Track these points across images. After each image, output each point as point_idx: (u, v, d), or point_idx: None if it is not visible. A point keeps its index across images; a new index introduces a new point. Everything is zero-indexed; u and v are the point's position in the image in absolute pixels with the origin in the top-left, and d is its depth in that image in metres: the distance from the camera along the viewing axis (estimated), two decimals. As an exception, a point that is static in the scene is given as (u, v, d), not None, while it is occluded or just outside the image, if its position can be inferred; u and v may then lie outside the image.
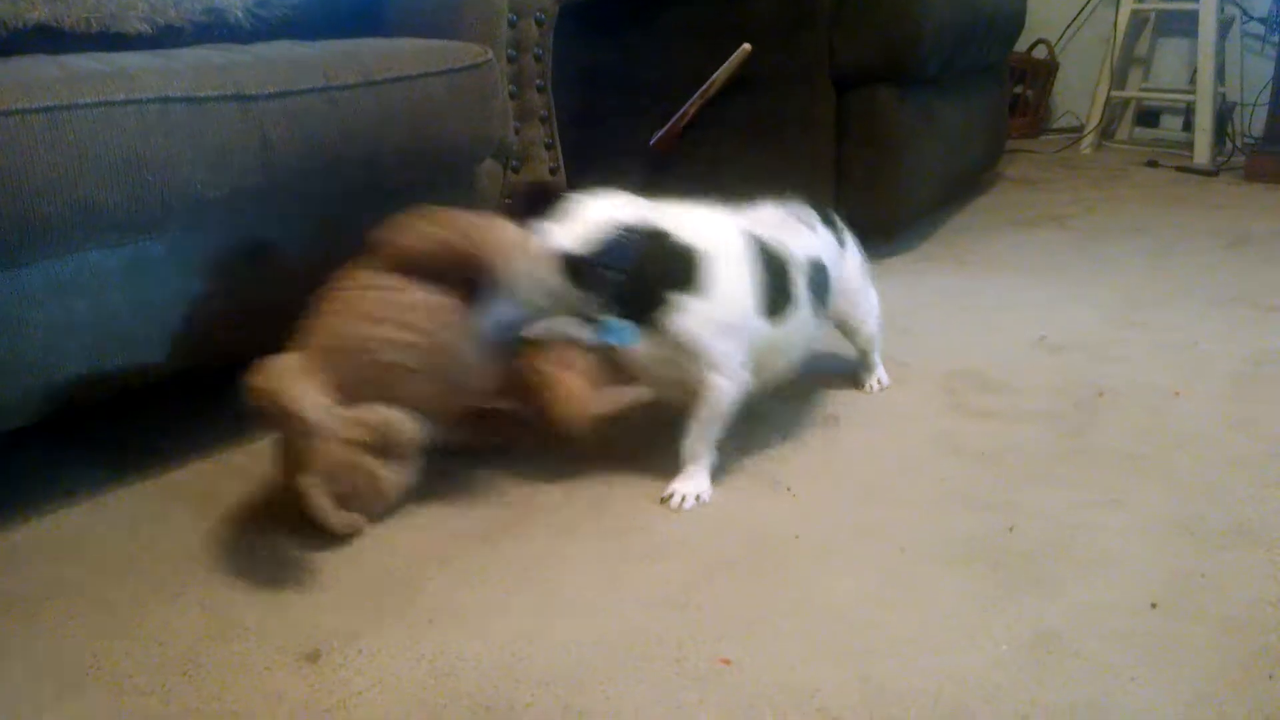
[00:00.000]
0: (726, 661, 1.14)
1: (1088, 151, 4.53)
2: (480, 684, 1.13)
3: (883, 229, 2.84)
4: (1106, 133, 4.72)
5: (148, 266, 1.53)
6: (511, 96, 2.10)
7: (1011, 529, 1.38)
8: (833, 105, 2.68)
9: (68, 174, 1.32)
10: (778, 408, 1.79)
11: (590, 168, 2.49)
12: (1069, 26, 4.85)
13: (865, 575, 1.29)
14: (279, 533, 1.44)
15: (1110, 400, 1.80)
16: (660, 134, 2.90)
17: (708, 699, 1.08)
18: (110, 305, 1.49)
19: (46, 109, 1.30)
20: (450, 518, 1.48)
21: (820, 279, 1.60)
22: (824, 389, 1.89)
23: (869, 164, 2.67)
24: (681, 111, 2.83)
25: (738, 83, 2.75)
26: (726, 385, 1.46)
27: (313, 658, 1.18)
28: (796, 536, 1.38)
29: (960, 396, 1.83)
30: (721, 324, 1.42)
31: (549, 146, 2.21)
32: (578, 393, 1.44)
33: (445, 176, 1.92)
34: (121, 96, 1.37)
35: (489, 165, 2.06)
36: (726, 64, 2.71)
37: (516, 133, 2.08)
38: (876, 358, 1.88)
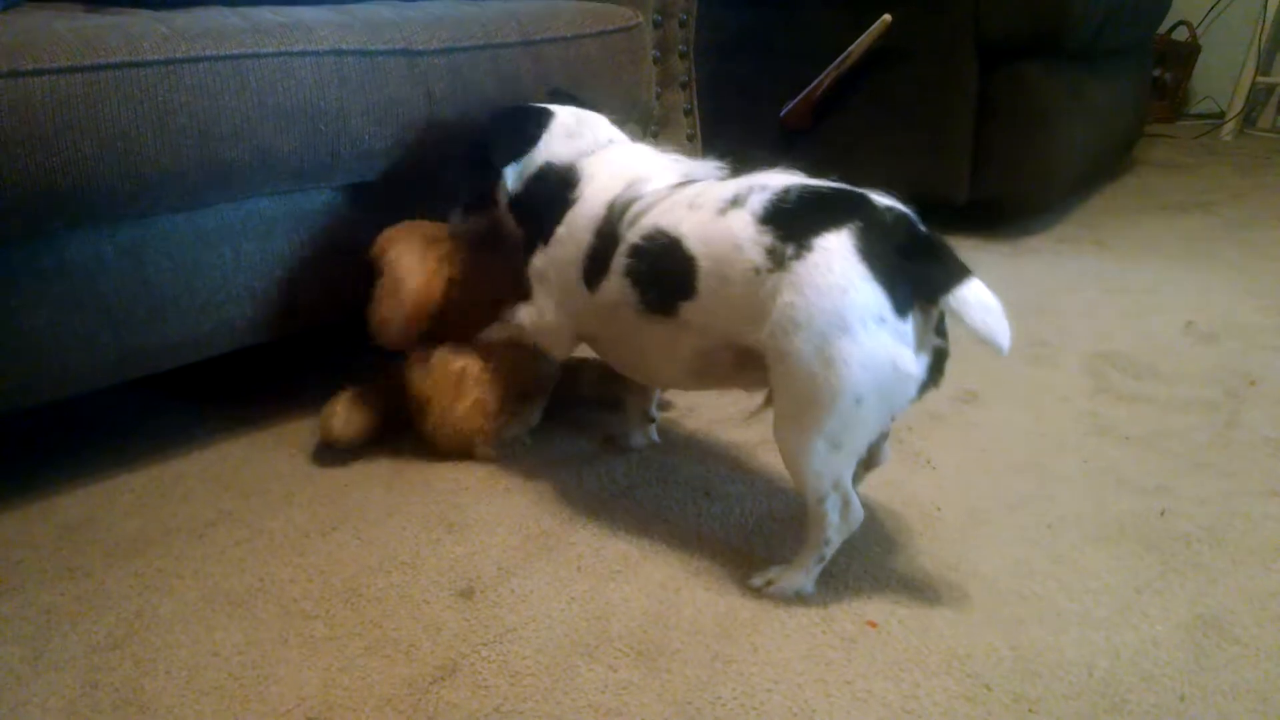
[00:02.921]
0: (873, 624, 1.14)
1: (1228, 139, 4.34)
2: (630, 628, 1.15)
3: (1022, 209, 2.78)
4: (1249, 120, 4.52)
5: (310, 215, 1.59)
6: (655, 61, 2.11)
7: (1163, 513, 1.35)
8: (975, 80, 2.63)
9: (249, 121, 1.38)
10: (916, 381, 1.78)
11: (722, 137, 2.49)
12: (1212, 8, 4.64)
13: (1012, 549, 1.28)
14: (428, 474, 1.49)
15: (1263, 390, 1.74)
16: (791, 106, 2.88)
17: (854, 657, 1.09)
18: (275, 249, 1.56)
19: (232, 57, 1.36)
20: (597, 472, 1.51)
21: (673, 267, 1.20)
22: (960, 363, 1.86)
23: (1011, 142, 2.61)
24: (815, 83, 2.81)
25: (876, 55, 2.71)
26: (525, 319, 1.45)
27: (467, 593, 1.23)
28: (938, 509, 1.38)
29: (1106, 380, 1.79)
30: (549, 269, 1.39)
31: (688, 112, 2.22)
32: (451, 416, 1.50)
33: (591, 138, 1.94)
34: (300, 48, 1.42)
35: (629, 129, 2.08)
36: (865, 35, 2.67)
37: (658, 97, 2.08)
38: (809, 549, 1.20)
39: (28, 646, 1.16)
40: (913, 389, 1.11)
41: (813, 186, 1.16)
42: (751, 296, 1.12)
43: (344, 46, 1.46)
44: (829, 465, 1.13)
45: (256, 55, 1.38)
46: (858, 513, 1.17)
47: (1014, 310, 2.05)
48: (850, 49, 2.71)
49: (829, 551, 1.18)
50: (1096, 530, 1.31)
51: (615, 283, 1.28)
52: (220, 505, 1.44)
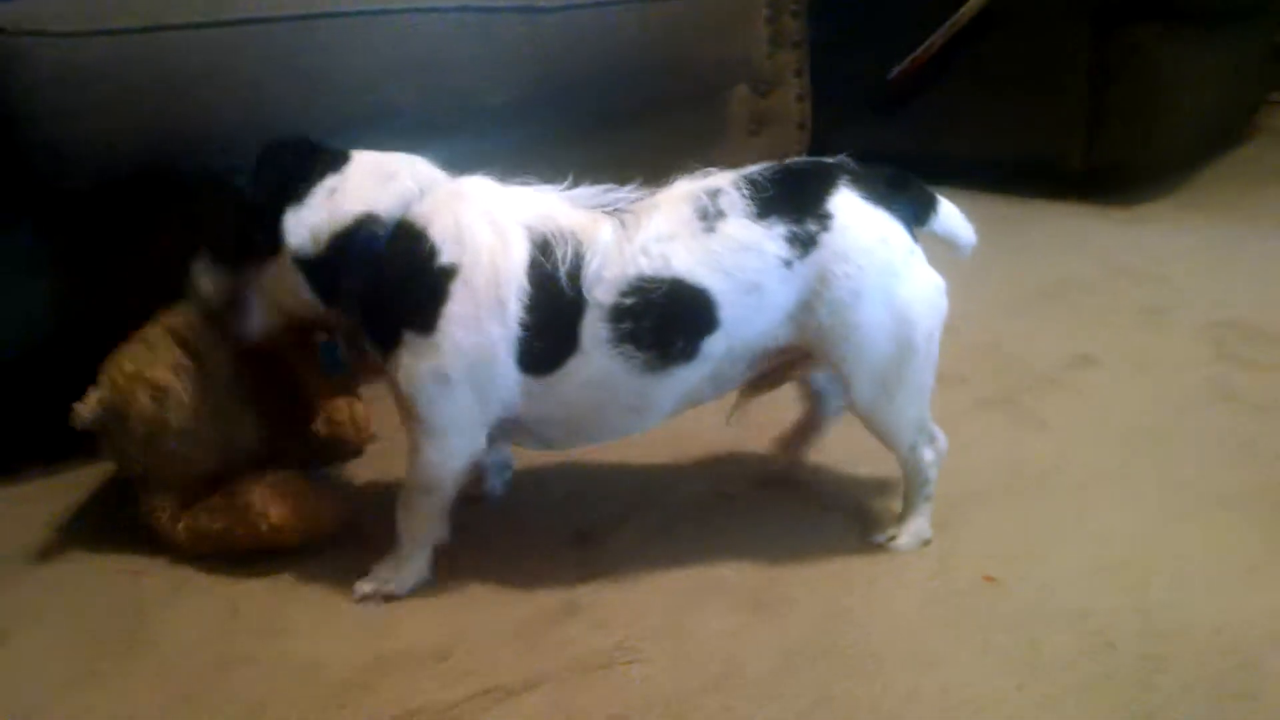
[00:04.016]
0: (991, 579, 1.14)
1: (1358, 107, 4.13)
2: (744, 576, 1.17)
3: (1138, 176, 2.70)
4: (1381, 89, 4.30)
5: (430, 170, 1.62)
6: (767, 21, 2.09)
7: (1292, 479, 1.32)
8: (1089, 44, 2.55)
9: (375, 76, 1.42)
10: (1022, 342, 1.76)
11: (827, 100, 2.47)
12: (1346, -32, 4.41)
13: (1134, 510, 1.26)
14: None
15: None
16: (899, 68, 2.83)
17: (973, 611, 1.09)
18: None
19: (362, 13, 1.40)
20: (706, 426, 1.52)
21: (686, 309, 1.07)
22: (1072, 327, 1.83)
23: (1128, 108, 2.53)
24: (924, 46, 2.76)
25: (987, 19, 2.65)
26: (437, 455, 1.12)
27: (586, 535, 1.26)
28: (1057, 469, 1.36)
29: (1229, 346, 1.74)
30: (447, 376, 1.07)
31: (798, 73, 2.21)
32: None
33: (701, 99, 1.95)
34: (426, 4, 1.45)
35: (740, 89, 2.08)
36: (976, -3, 2.62)
37: (769, 58, 2.08)
38: (915, 495, 1.21)
39: (170, 576, 1.22)
40: (946, 301, 1.15)
41: (768, 169, 1.11)
42: (789, 290, 1.09)
43: (468, 3, 1.49)
44: (916, 410, 1.16)
45: (386, 11, 1.41)
46: (942, 441, 1.20)
47: (1129, 277, 2.04)
48: (961, 11, 2.65)
49: (932, 489, 1.20)
50: (1219, 495, 1.28)
51: (598, 357, 1.07)
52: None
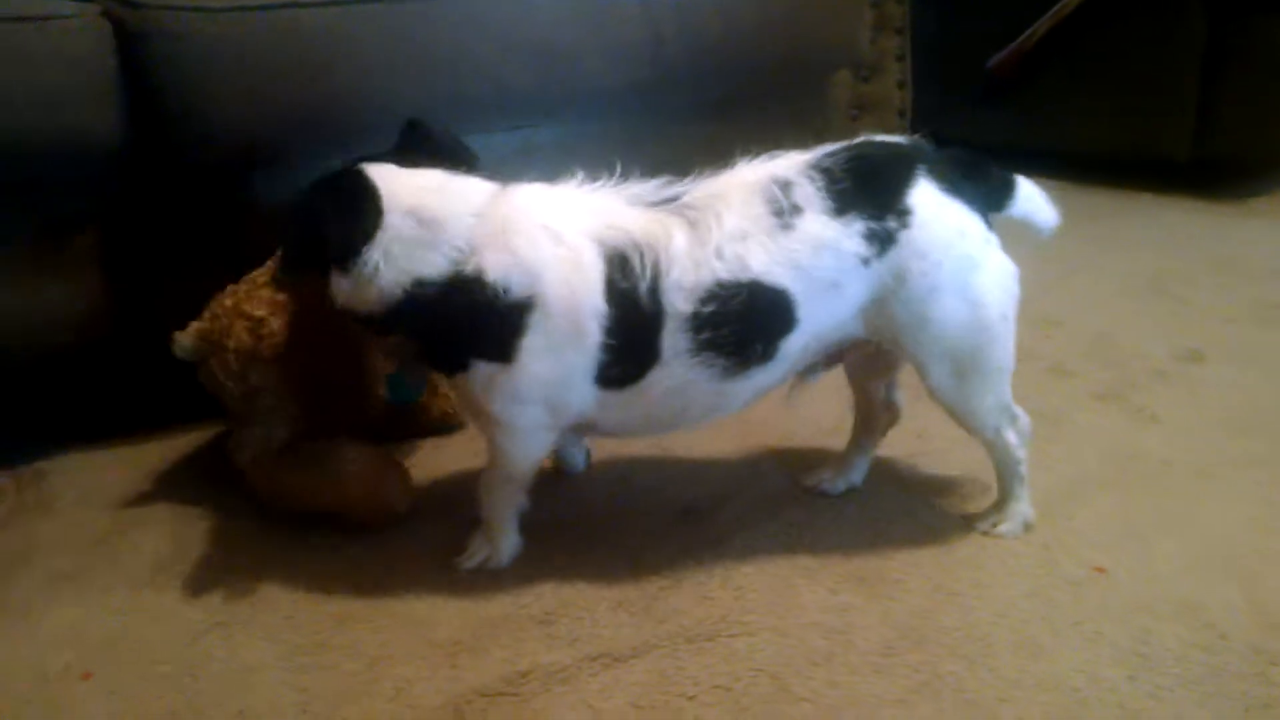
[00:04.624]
0: (1101, 569, 1.13)
1: None
2: (848, 553, 1.18)
3: (1249, 169, 2.62)
4: None
5: (540, 149, 1.65)
6: (871, 5, 2.08)
7: None
8: (1203, 32, 2.48)
9: (492, 58, 1.45)
10: (1130, 335, 1.73)
11: (926, 88, 2.44)
12: None
13: (1247, 504, 1.23)
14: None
15: None
16: (1000, 56, 2.79)
17: (1081, 599, 1.08)
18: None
19: (480, -3, 1.43)
20: (819, 405, 1.53)
21: (765, 311, 1.06)
22: (1182, 321, 1.79)
23: (1242, 98, 2.46)
24: (1028, 33, 2.71)
25: (1093, 6, 2.59)
26: (516, 452, 1.14)
27: (688, 514, 1.28)
28: (1167, 462, 1.34)
29: (1347, 344, 1.69)
30: (524, 399, 1.08)
31: (900, 59, 2.19)
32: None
33: (804, 84, 1.95)
34: (542, -13, 1.48)
35: (842, 74, 2.07)
36: (1085, -17, 2.56)
37: (872, 43, 2.06)
38: (1008, 478, 1.20)
39: (285, 534, 1.27)
40: (1018, 283, 1.13)
41: (841, 155, 1.07)
42: (864, 287, 1.07)
43: (582, -14, 1.51)
44: (998, 394, 1.15)
45: (501, -5, 1.44)
46: (1024, 420, 1.19)
47: (1239, 272, 1.98)
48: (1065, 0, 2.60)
49: (1024, 469, 1.19)
50: (1338, 494, 1.25)
51: (678, 367, 1.06)
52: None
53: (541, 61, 1.49)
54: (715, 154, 1.83)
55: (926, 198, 1.07)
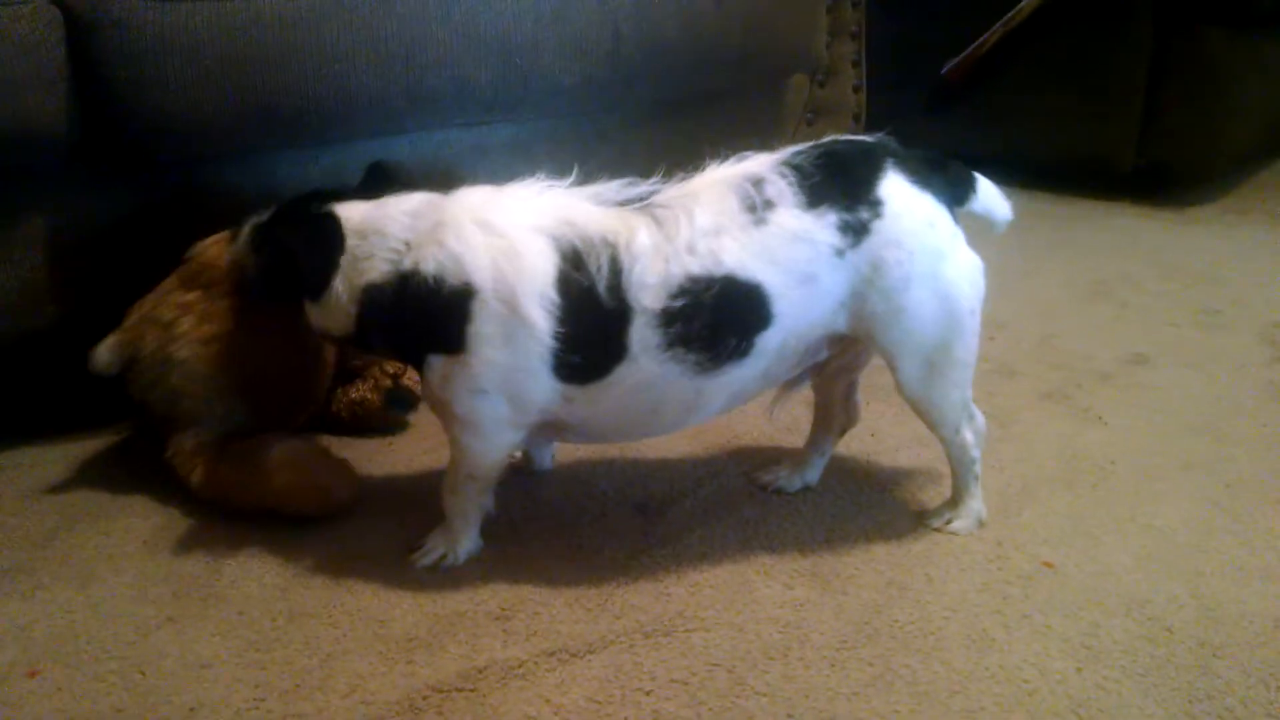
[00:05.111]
0: (1050, 564, 1.15)
1: None
2: (803, 550, 1.19)
3: (1191, 177, 2.69)
4: None
5: (494, 148, 1.65)
6: (827, 10, 2.10)
7: (1350, 480, 1.32)
8: (1150, 44, 2.54)
9: (451, 51, 1.44)
10: (1076, 338, 1.77)
11: (880, 92, 2.47)
12: None
13: (1190, 505, 1.27)
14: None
15: None
16: (954, 62, 2.83)
17: (1032, 594, 1.10)
18: (459, 182, 1.62)
19: (439, -11, 1.42)
20: (761, 412, 1.54)
21: (740, 306, 1.06)
22: (1127, 325, 1.83)
23: (1186, 108, 2.52)
24: (981, 40, 2.75)
25: (1047, 14, 2.64)
26: (478, 448, 1.14)
27: (642, 509, 1.28)
28: (1113, 462, 1.37)
29: (1284, 348, 1.74)
30: (481, 389, 1.08)
31: (855, 64, 2.22)
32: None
33: (760, 86, 1.97)
34: (502, -19, 1.47)
35: (798, 78, 2.09)
36: (1037, -8, 2.61)
37: (827, 48, 2.09)
38: (964, 476, 1.21)
39: (237, 532, 1.25)
40: (983, 279, 1.15)
41: (810, 153, 1.09)
42: (841, 279, 1.08)
43: (542, -18, 1.51)
44: (961, 391, 1.16)
45: (463, -13, 1.43)
46: (980, 420, 1.21)
47: (1182, 278, 2.03)
48: (1021, 5, 2.64)
49: (979, 468, 1.21)
50: (1277, 494, 1.28)
51: (648, 363, 1.06)
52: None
53: (500, 56, 1.49)
54: (670, 155, 1.84)
55: (897, 189, 1.09)
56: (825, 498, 1.30)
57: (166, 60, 1.25)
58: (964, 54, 2.79)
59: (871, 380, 1.61)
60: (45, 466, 1.42)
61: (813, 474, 1.32)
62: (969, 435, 1.19)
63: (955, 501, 1.23)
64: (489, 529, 1.22)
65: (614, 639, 1.05)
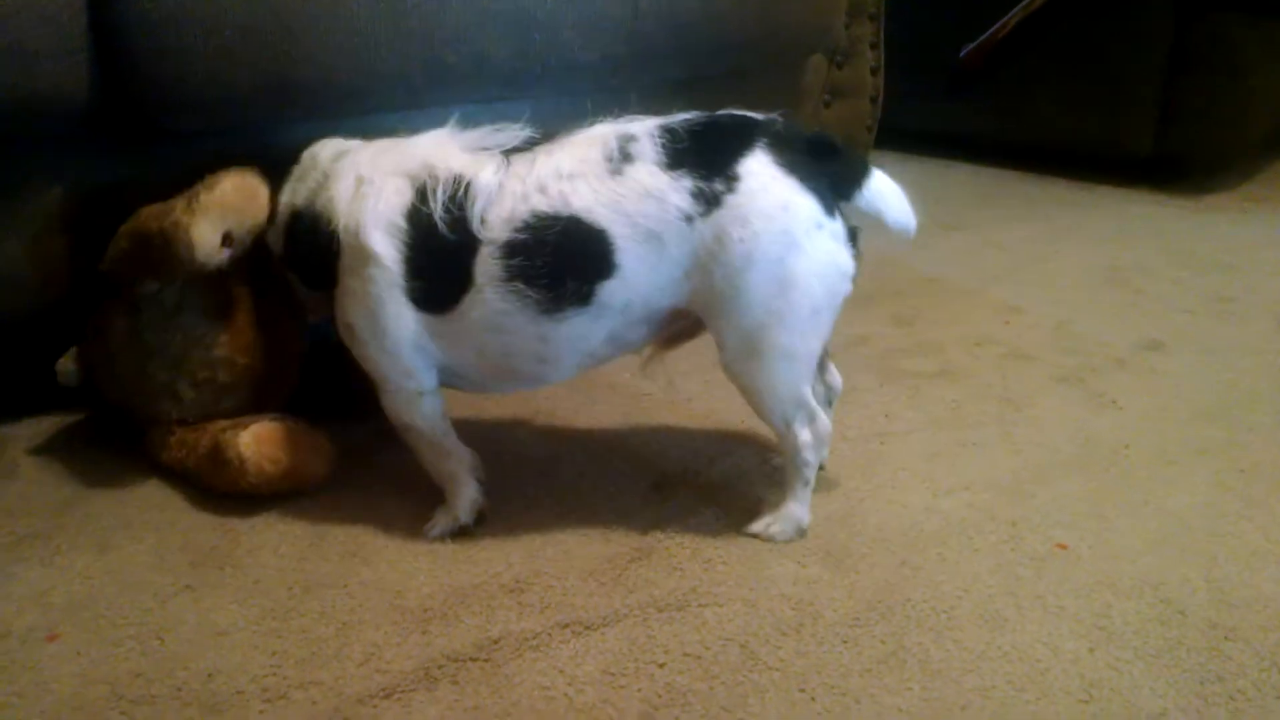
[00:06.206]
0: (1063, 546, 1.16)
1: None
2: (817, 531, 1.19)
3: (1209, 165, 2.68)
4: None
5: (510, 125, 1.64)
6: (847, -9, 2.09)
7: (1365, 468, 1.32)
8: (1170, 30, 2.52)
9: (471, 26, 1.44)
10: (1090, 324, 1.76)
11: (897, 75, 2.46)
12: None
13: (1204, 490, 1.27)
14: (614, 378, 1.55)
15: None
16: (971, 47, 2.82)
17: (1045, 575, 1.11)
18: (478, 156, 1.62)
19: (458, -37, 1.41)
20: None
21: (582, 249, 1.07)
22: (1142, 312, 1.83)
23: (1204, 96, 2.50)
24: (1000, 24, 2.74)
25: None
26: (388, 400, 1.19)
27: (659, 487, 1.29)
28: (1127, 446, 1.37)
29: (1300, 336, 1.73)
30: (348, 321, 1.15)
31: (873, 45, 2.20)
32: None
33: (779, 67, 1.96)
34: (521, -44, 1.47)
35: (815, 59, 2.08)
36: (1056, -23, 2.59)
37: (846, 28, 2.07)
38: (792, 477, 1.18)
39: (254, 503, 1.26)
40: (850, 284, 1.12)
41: (691, 120, 1.10)
42: (687, 247, 1.07)
43: (560, -43, 1.50)
44: (793, 385, 1.13)
45: (482, -39, 1.42)
46: (825, 424, 1.16)
47: (1198, 265, 2.02)
48: (1037, -9, 2.63)
49: (811, 474, 1.17)
50: (1292, 479, 1.29)
51: (491, 294, 1.08)
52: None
53: (518, 32, 1.48)
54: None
55: (758, 167, 1.07)
56: (837, 478, 1.30)
57: (187, 31, 1.25)
58: (982, 38, 2.78)
59: (889, 364, 1.62)
60: (63, 435, 1.43)
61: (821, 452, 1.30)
62: (805, 435, 1.15)
63: (778, 503, 1.19)
64: (505, 503, 1.23)
65: (628, 612, 1.06)
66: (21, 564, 1.16)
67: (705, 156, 1.07)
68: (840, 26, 1.97)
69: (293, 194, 1.20)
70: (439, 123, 1.53)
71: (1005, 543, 1.16)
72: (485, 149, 1.14)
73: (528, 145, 1.14)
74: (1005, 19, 2.71)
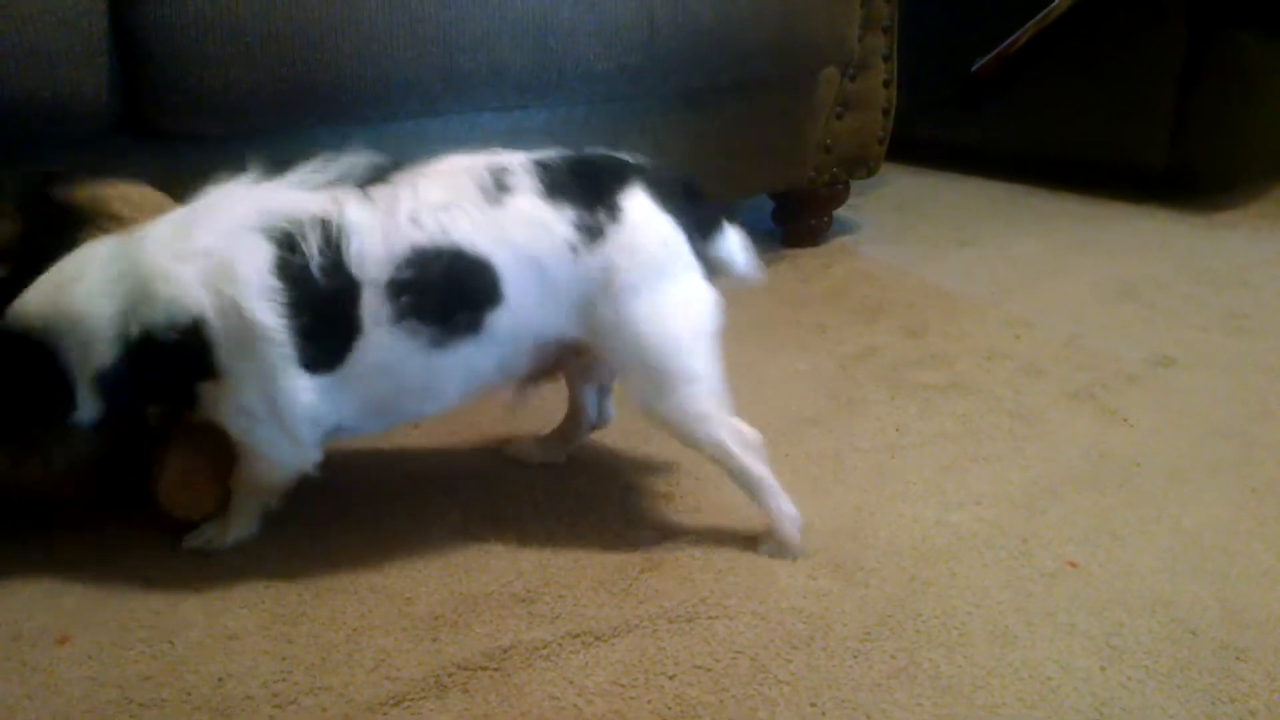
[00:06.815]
0: (1074, 564, 1.15)
1: None
2: (827, 544, 1.19)
3: (1221, 181, 2.67)
4: None
5: (527, 133, 1.65)
6: (860, 3, 2.09)
7: (1378, 489, 1.31)
8: (1183, 46, 2.52)
9: (488, 34, 1.45)
10: (1102, 339, 1.76)
11: (910, 87, 2.46)
12: None
13: (1217, 508, 1.26)
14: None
15: None
16: (985, 60, 2.82)
17: (1055, 592, 1.10)
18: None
19: (477, -29, 1.42)
20: (797, 398, 1.55)
21: (469, 281, 1.05)
22: (1154, 328, 1.83)
23: (1217, 111, 2.50)
24: (1013, 37, 2.74)
25: (1080, 14, 2.62)
26: (262, 470, 1.14)
27: (668, 497, 1.29)
28: (1139, 464, 1.37)
29: (1313, 355, 1.73)
30: (243, 407, 1.06)
31: (886, 59, 2.20)
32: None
33: (794, 78, 1.96)
34: (539, -35, 1.47)
35: (828, 71, 2.08)
36: (1070, -10, 2.59)
37: (859, 40, 2.07)
38: (759, 495, 1.18)
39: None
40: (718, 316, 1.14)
41: (562, 156, 1.10)
42: (573, 278, 1.07)
43: (579, -33, 1.51)
44: (705, 405, 1.13)
45: (501, -31, 1.43)
46: (751, 433, 1.16)
47: (1211, 281, 2.02)
48: (1054, 4, 2.63)
49: (767, 476, 1.17)
50: (1305, 500, 1.28)
51: (383, 335, 1.04)
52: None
53: (535, 40, 1.49)
54: (699, 145, 1.86)
55: (638, 203, 1.09)
56: (847, 491, 1.30)
57: (207, 36, 1.26)
58: (995, 52, 2.77)
59: (899, 376, 1.62)
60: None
61: (556, 456, 1.35)
62: (735, 448, 1.15)
63: (767, 527, 1.18)
64: (515, 513, 1.24)
65: (638, 623, 1.06)
66: (32, 566, 1.16)
67: (584, 189, 1.07)
68: (853, 38, 1.97)
69: (87, 361, 1.02)
70: (456, 131, 1.56)
71: (1016, 559, 1.16)
72: (323, 186, 1.06)
73: (372, 178, 1.07)
74: (1018, 33, 2.71)
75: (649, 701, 0.95)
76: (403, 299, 1.03)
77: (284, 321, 1.01)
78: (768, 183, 2.11)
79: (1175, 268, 2.15)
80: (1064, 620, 1.06)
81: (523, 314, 1.07)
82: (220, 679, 0.99)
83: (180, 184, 1.32)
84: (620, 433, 1.43)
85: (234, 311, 1.00)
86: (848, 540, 1.20)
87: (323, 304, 1.02)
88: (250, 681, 0.98)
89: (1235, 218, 2.55)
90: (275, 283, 1.00)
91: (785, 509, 1.17)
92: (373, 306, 1.03)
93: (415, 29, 1.36)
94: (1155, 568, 1.14)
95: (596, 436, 1.41)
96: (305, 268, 1.01)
